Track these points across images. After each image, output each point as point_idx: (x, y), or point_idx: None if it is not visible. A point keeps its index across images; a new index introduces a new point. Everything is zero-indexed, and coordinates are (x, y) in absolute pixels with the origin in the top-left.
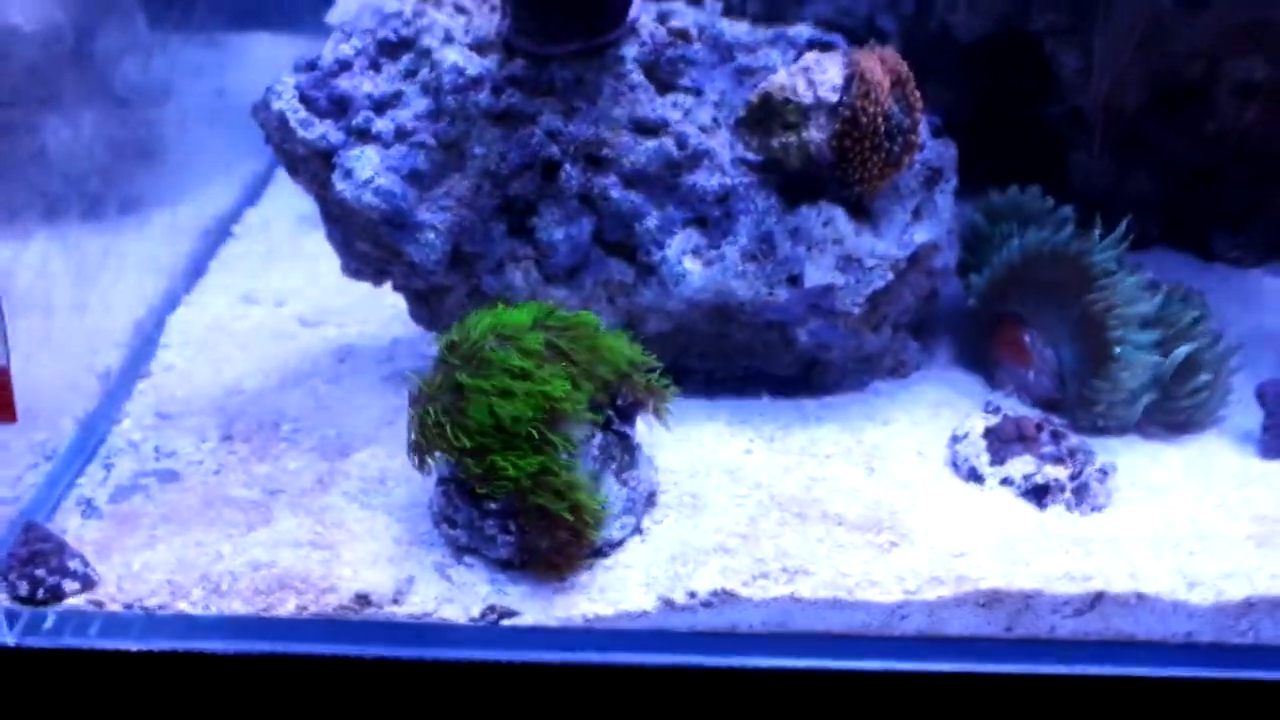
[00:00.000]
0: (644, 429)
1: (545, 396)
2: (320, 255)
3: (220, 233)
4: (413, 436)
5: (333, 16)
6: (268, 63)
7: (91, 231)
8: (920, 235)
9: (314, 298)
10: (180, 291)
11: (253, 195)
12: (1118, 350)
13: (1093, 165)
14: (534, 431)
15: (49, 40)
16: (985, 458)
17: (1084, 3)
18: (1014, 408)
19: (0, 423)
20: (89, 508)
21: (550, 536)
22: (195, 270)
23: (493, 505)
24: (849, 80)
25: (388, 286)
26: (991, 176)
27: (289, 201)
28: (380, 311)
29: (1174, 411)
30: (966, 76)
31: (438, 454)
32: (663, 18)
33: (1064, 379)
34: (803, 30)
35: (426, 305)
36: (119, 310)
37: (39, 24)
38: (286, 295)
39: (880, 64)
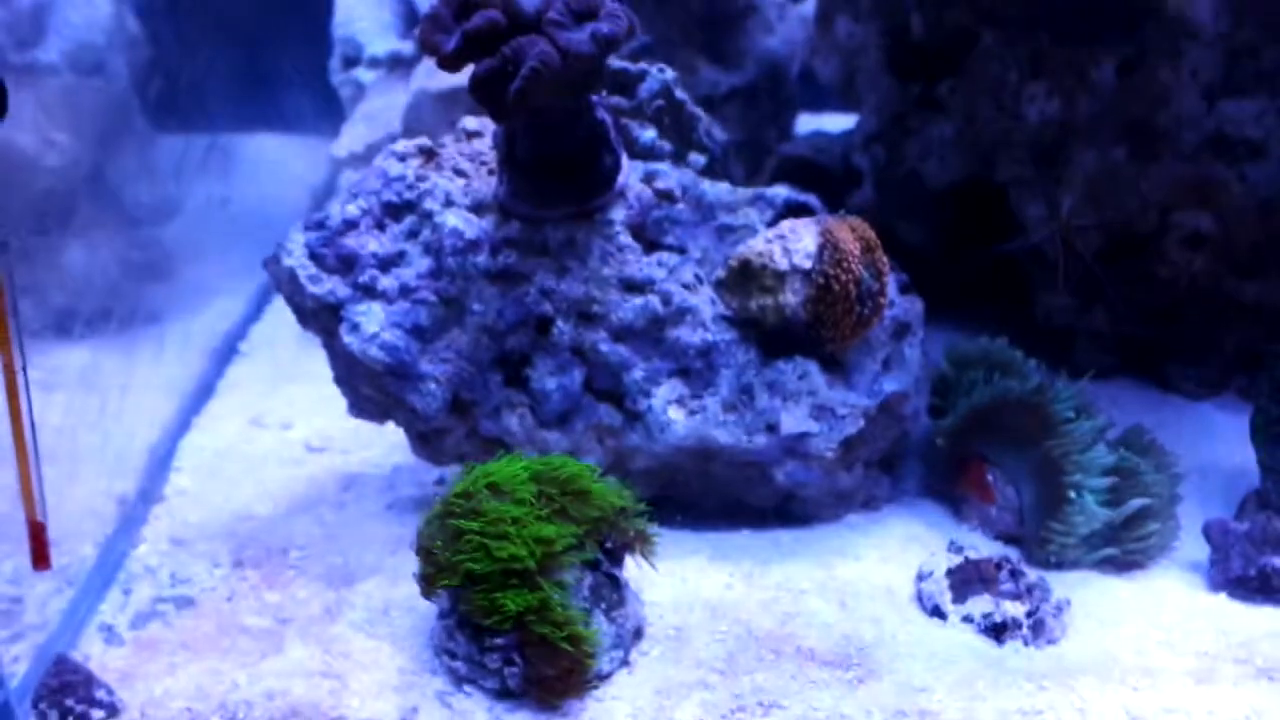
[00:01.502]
0: (631, 564)
1: (539, 541)
2: (324, 377)
3: (228, 350)
4: (419, 573)
5: (338, 149)
6: (272, 165)
7: (104, 350)
8: (890, 385)
9: (319, 423)
10: (191, 414)
11: (257, 310)
12: (1072, 495)
13: (1055, 302)
14: (530, 572)
15: (66, 168)
16: (948, 596)
17: (1045, 156)
18: (977, 541)
19: (36, 570)
20: (110, 634)
21: (554, 665)
22: (204, 390)
23: (498, 640)
24: (822, 248)
25: None
26: (959, 309)
27: (292, 318)
28: (382, 438)
29: (1124, 553)
30: (936, 217)
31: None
32: (649, 178)
33: (1024, 516)
34: (780, 191)
35: (427, 444)
36: (134, 432)
37: (57, 155)
38: (293, 419)
39: (851, 232)
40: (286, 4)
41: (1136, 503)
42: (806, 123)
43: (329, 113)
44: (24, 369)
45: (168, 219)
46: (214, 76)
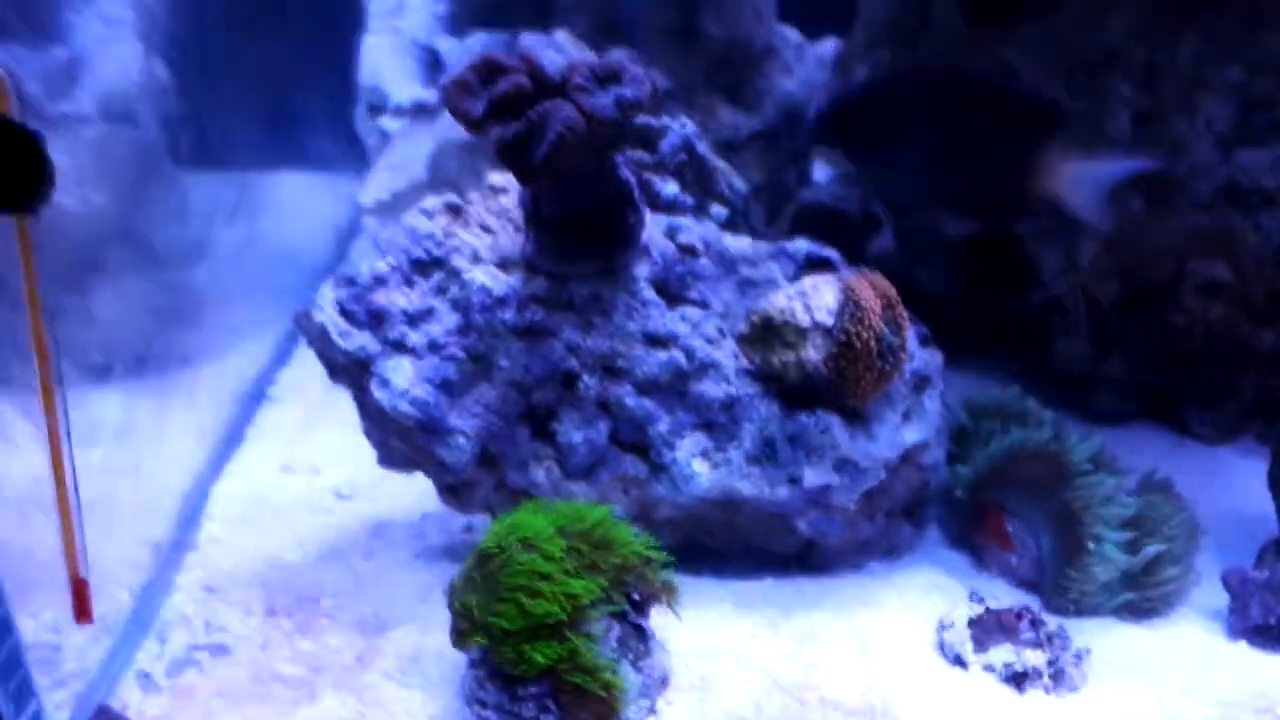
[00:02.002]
0: (656, 613)
1: (569, 596)
2: (351, 423)
3: (257, 395)
4: (451, 628)
5: (364, 196)
6: (294, 203)
7: (139, 394)
8: (910, 436)
9: (348, 469)
10: (222, 460)
11: (284, 354)
12: (1091, 546)
13: (1073, 349)
14: (560, 625)
15: (97, 216)
16: (969, 645)
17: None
18: (998, 589)
19: (79, 624)
20: (148, 681)
21: (587, 710)
22: (235, 436)
23: (531, 688)
24: (844, 305)
25: None
26: (979, 354)
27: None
28: (410, 486)
29: (1143, 600)
30: (955, 265)
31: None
32: (672, 232)
33: (1043, 565)
34: (801, 245)
35: (456, 495)
36: (168, 479)
37: (89, 204)
38: (322, 465)
39: (872, 289)
40: (312, 52)
41: (1153, 549)
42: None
43: (352, 153)
44: (68, 434)
45: (196, 262)
46: (241, 120)
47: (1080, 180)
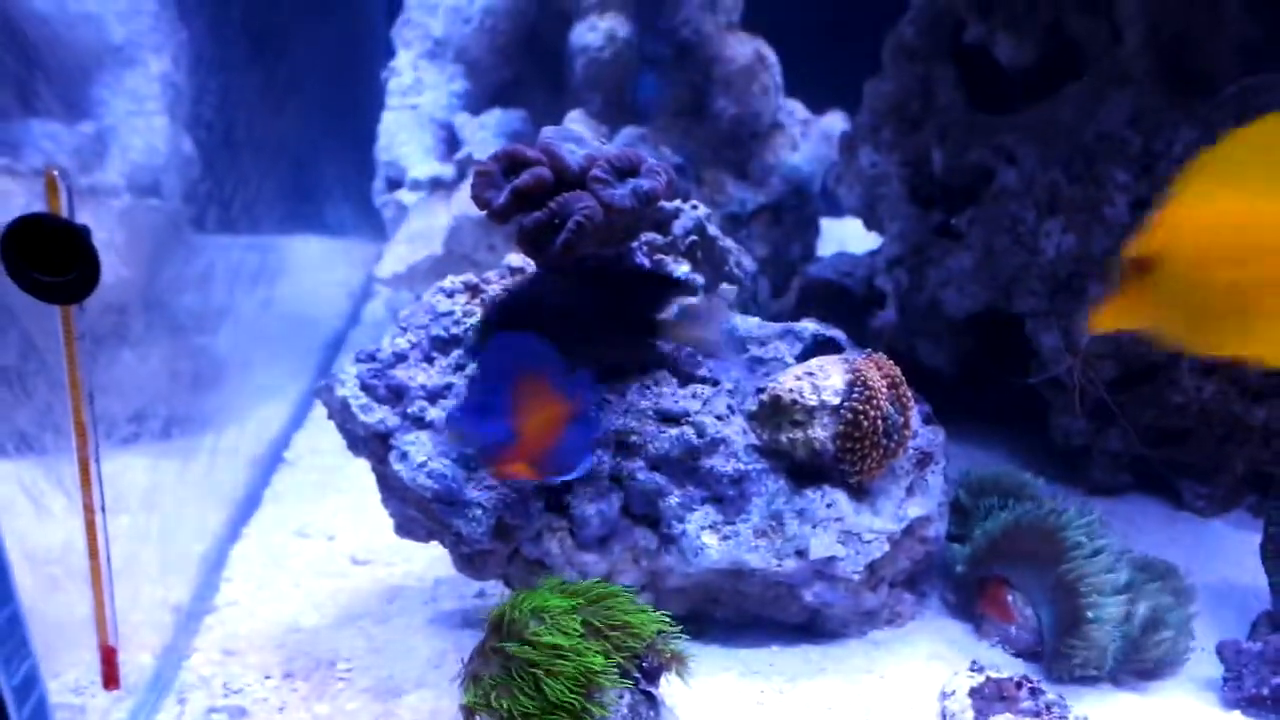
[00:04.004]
0: (666, 681)
1: (586, 671)
2: (365, 487)
3: (273, 459)
4: (464, 701)
5: (381, 269)
6: (310, 268)
7: (162, 458)
8: (913, 510)
9: (362, 535)
10: (239, 523)
11: (299, 417)
12: (1090, 615)
13: (1071, 424)
14: (576, 703)
15: (123, 285)
16: (970, 714)
17: (1060, 289)
18: (997, 658)
19: (107, 690)
20: None
21: None
22: (252, 499)
23: None
24: (851, 385)
25: None
26: (980, 428)
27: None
28: (424, 552)
29: (1142, 661)
30: (956, 342)
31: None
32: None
33: (1043, 635)
34: (808, 325)
35: (470, 564)
36: (187, 542)
37: (116, 273)
38: (336, 530)
39: (877, 370)
40: (332, 127)
41: (1145, 607)
42: (827, 228)
43: (366, 220)
44: (103, 507)
45: (218, 327)
46: (263, 190)
47: (699, 323)
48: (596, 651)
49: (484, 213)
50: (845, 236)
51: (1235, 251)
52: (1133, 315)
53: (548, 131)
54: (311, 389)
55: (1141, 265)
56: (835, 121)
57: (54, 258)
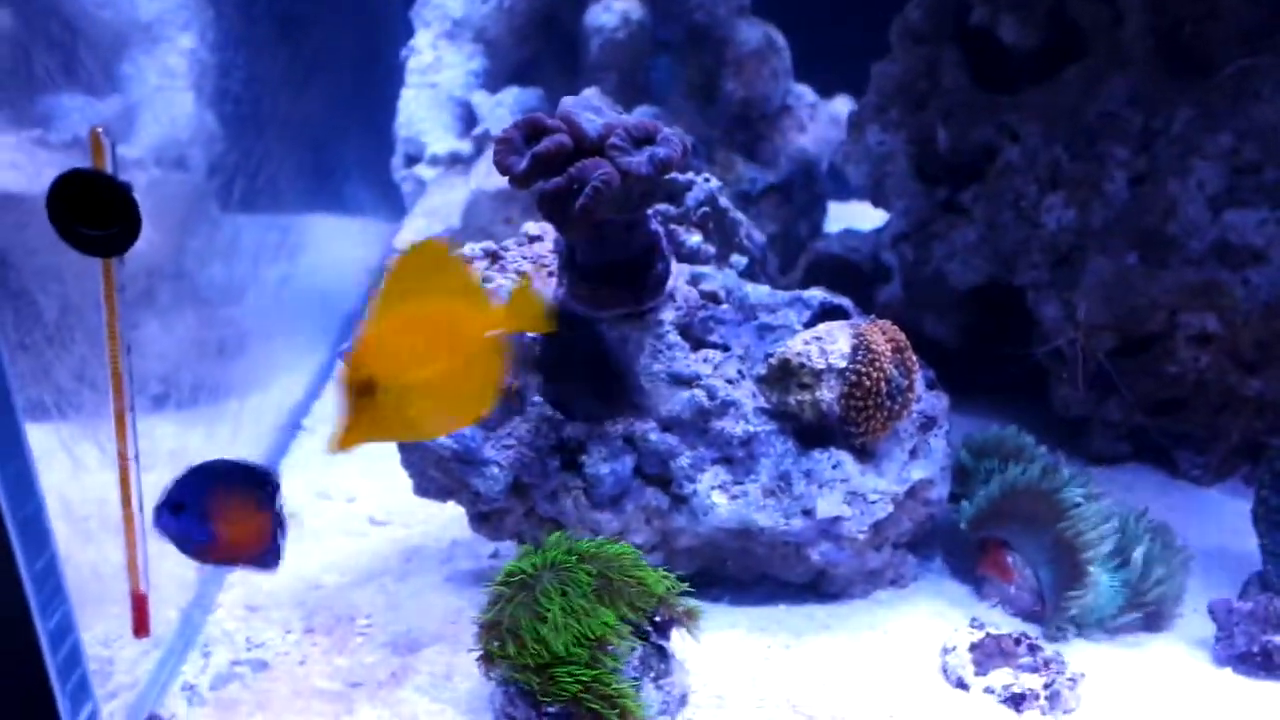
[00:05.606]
0: (677, 635)
1: (599, 625)
2: (381, 453)
3: (292, 426)
4: (481, 651)
5: (399, 242)
6: (327, 245)
7: (189, 423)
8: (916, 473)
9: (380, 496)
10: None
11: (317, 388)
12: (1090, 569)
13: (1071, 395)
14: (588, 653)
15: (149, 255)
16: (971, 669)
17: (1061, 262)
18: (997, 618)
19: (137, 637)
20: (193, 694)
21: None
22: (274, 463)
23: (551, 709)
24: (855, 349)
25: None
26: (983, 398)
27: None
28: (441, 513)
29: (1143, 604)
30: (960, 314)
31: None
32: (695, 280)
33: (1042, 595)
34: (816, 293)
35: (487, 522)
36: None
37: (144, 244)
38: (356, 493)
39: (882, 335)
40: (349, 105)
41: (1141, 549)
42: (834, 211)
43: (384, 200)
44: (136, 457)
45: (241, 299)
46: (285, 167)
47: None
48: (609, 608)
49: (505, 178)
50: (851, 219)
51: (417, 353)
52: (369, 430)
53: (567, 101)
54: (333, 356)
55: (363, 388)
56: (842, 105)
57: (97, 212)
